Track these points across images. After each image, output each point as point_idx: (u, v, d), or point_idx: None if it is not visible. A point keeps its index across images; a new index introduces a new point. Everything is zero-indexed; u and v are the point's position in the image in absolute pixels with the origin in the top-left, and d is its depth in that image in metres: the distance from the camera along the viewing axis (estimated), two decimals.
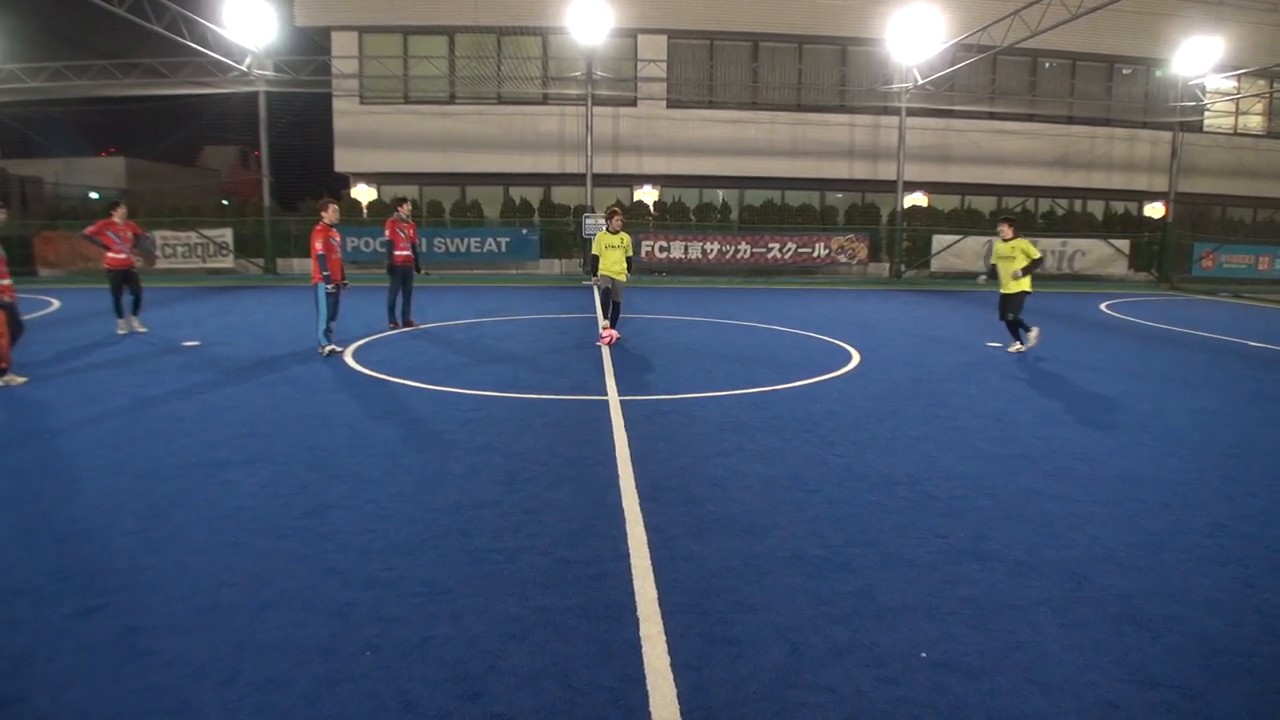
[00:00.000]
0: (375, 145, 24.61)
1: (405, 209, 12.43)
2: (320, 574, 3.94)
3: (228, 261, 22.72)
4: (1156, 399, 8.40)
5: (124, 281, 11.79)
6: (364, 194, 25.19)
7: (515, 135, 24.77)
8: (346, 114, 24.57)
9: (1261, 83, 27.82)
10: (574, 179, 24.58)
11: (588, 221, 21.76)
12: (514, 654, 3.26)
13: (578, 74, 23.72)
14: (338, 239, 10.28)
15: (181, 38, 19.75)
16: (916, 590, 3.91)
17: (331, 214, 10.16)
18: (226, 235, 22.65)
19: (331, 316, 10.10)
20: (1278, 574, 4.20)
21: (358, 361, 9.56)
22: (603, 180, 24.65)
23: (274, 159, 23.62)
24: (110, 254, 11.71)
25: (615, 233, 11.13)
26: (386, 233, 12.30)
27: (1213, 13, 24.36)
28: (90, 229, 11.78)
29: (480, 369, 9.28)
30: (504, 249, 23.17)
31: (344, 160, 24.93)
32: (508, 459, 5.85)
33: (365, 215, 24.04)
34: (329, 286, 9.94)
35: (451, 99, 24.93)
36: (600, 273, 11.09)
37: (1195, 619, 3.69)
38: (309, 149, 27.94)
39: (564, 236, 24.04)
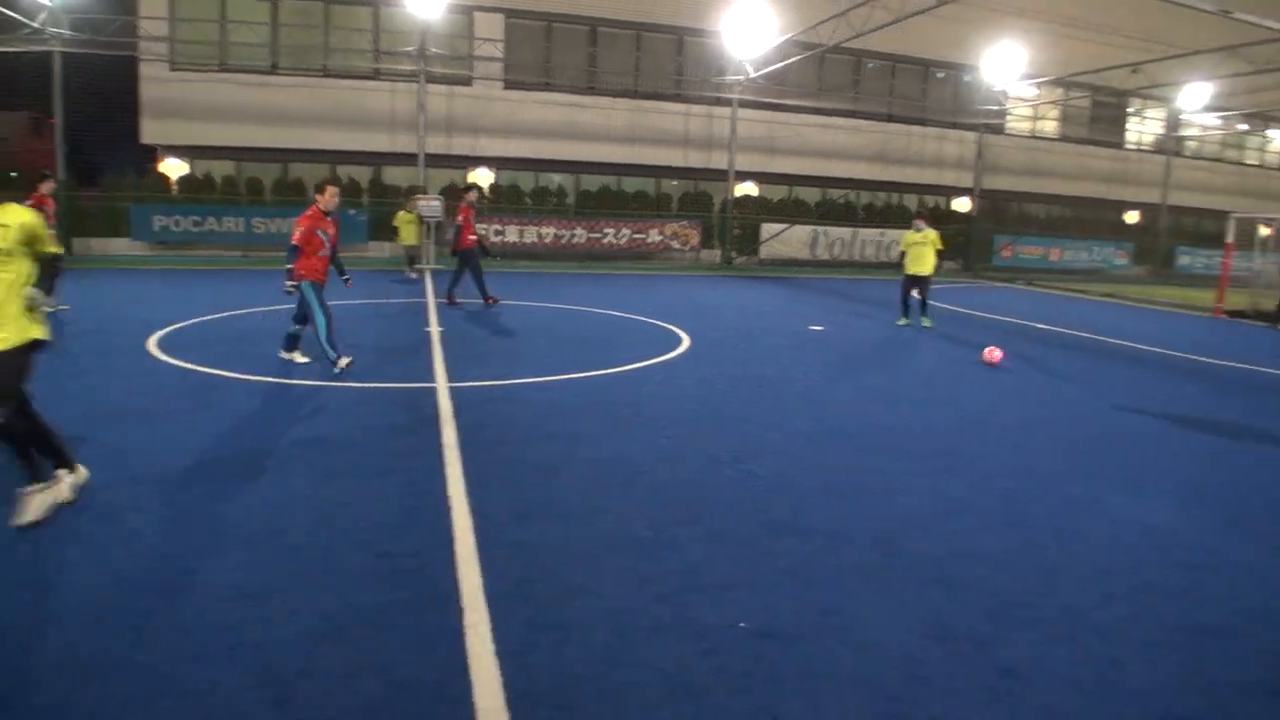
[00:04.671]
0: (187, 115, 22.87)
1: (472, 196, 13.72)
2: (111, 584, 3.61)
3: None
4: (960, 378, 9.04)
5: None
6: (174, 169, 23.43)
7: (343, 110, 23.69)
8: (154, 80, 22.70)
9: (1058, 91, 30.38)
10: (406, 159, 23.80)
11: (420, 203, 21.07)
12: (328, 654, 3.11)
13: (410, 49, 22.95)
14: (331, 231, 8.22)
15: None
16: (739, 565, 4.03)
17: (329, 198, 8.21)
18: None
19: (317, 318, 8.06)
20: (1057, 534, 4.61)
21: (164, 350, 8.88)
22: (436, 161, 23.98)
23: (70, 128, 21.56)
24: None
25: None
26: (460, 218, 13.21)
27: (1017, 25, 26.28)
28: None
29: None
30: None
31: (151, 131, 23.05)
32: (327, 451, 5.59)
33: (175, 191, 22.41)
34: (287, 285, 8.02)
35: (274, 69, 23.54)
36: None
37: (987, 576, 4.01)
38: (112, 118, 25.69)
39: (394, 218, 23.23)
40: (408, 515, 4.48)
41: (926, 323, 13.44)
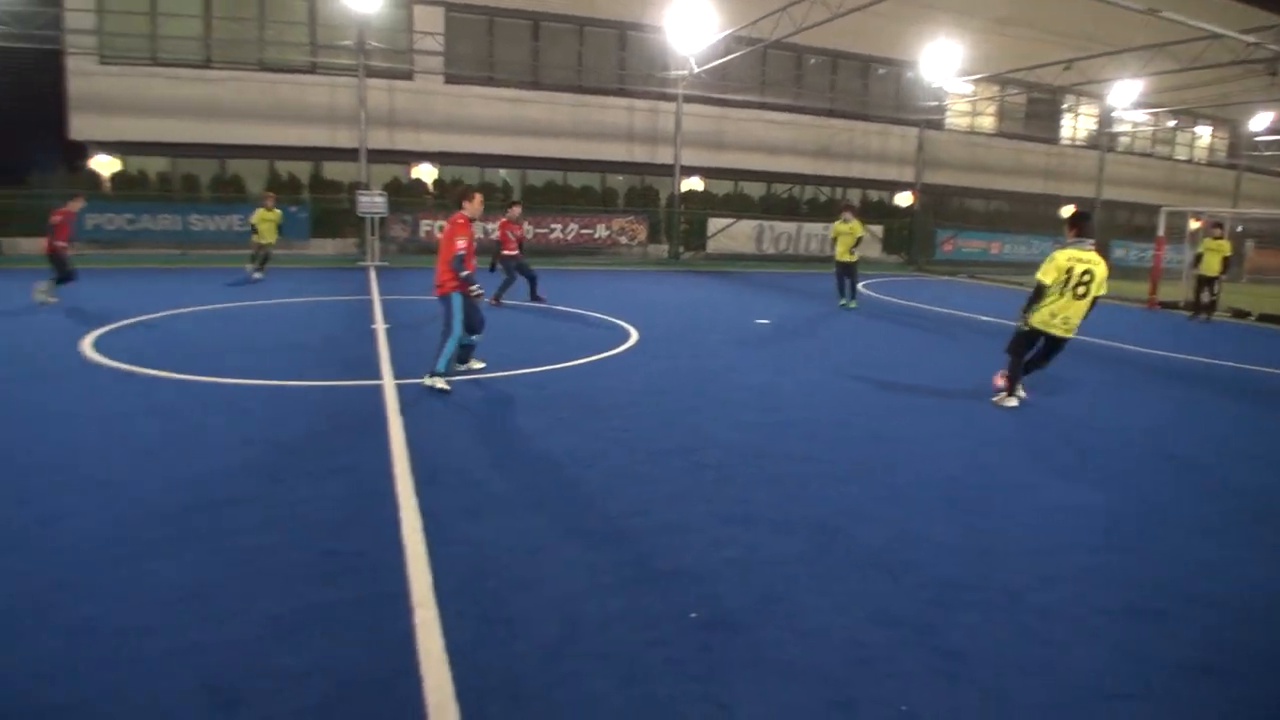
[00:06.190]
0: (118, 111, 22.19)
1: (515, 211, 13.71)
2: (53, 589, 3.51)
3: None
4: (904, 368, 9.21)
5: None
6: (105, 165, 22.75)
7: (281, 105, 23.22)
8: (83, 74, 21.99)
9: (994, 88, 31.04)
10: (347, 154, 23.41)
11: (362, 199, 20.77)
12: (277, 655, 3.08)
13: (348, 42, 22.58)
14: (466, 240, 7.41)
15: None
16: (686, 555, 4.07)
17: (477, 205, 7.59)
18: None
19: (455, 329, 7.38)
20: (1002, 519, 4.74)
21: (99, 351, 8.63)
22: (378, 156, 23.64)
23: None
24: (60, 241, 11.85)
25: None
26: (498, 233, 13.57)
27: (953, 23, 26.75)
28: (56, 220, 11.94)
29: (241, 356, 8.66)
30: None
31: (81, 127, 22.33)
32: (271, 451, 5.50)
33: (109, 189, 21.76)
34: (475, 290, 7.43)
35: (207, 63, 22.97)
36: None
37: (931, 562, 4.10)
38: (39, 113, 24.78)
39: (336, 215, 22.87)
40: (356, 514, 4.43)
41: (852, 305, 14.93)
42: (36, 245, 19.78)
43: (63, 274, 11.99)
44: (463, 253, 7.26)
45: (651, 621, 3.40)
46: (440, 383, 7.30)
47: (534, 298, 13.77)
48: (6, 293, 13.13)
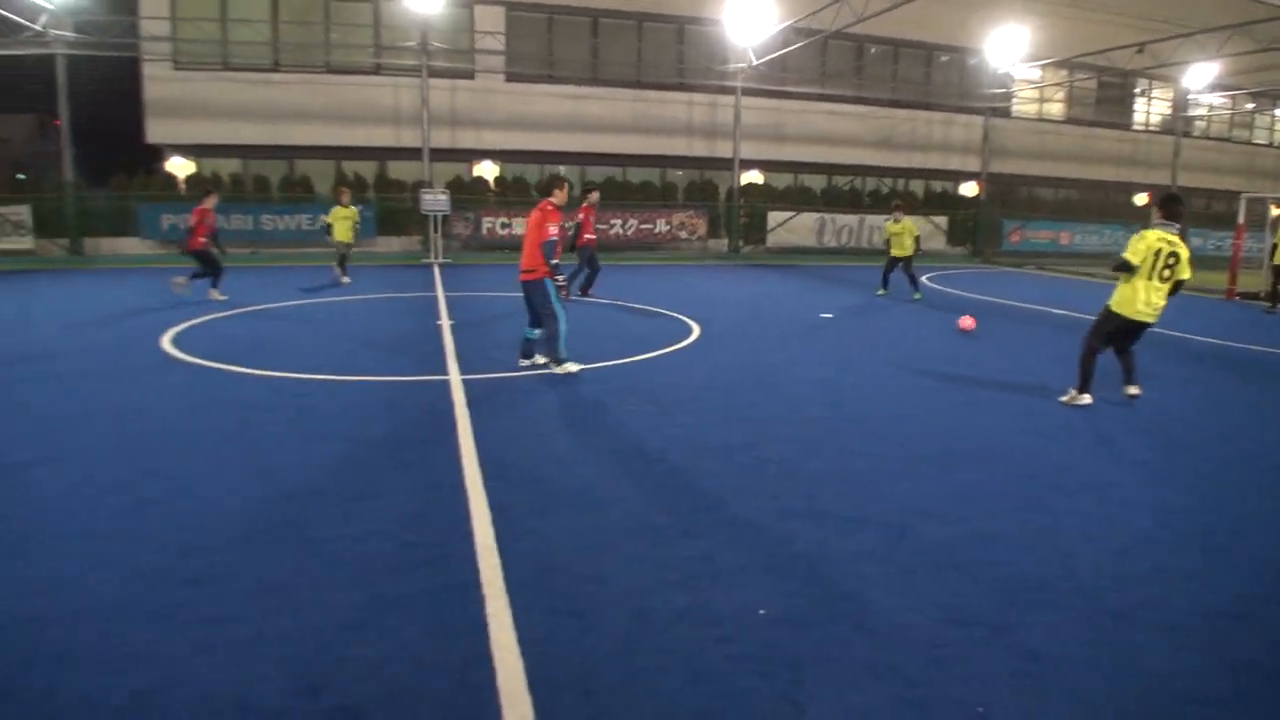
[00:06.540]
0: (191, 114, 22.90)
1: (595, 197, 14.10)
2: (140, 577, 3.67)
3: (26, 242, 20.66)
4: (971, 363, 9.04)
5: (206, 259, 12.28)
6: (180, 167, 23.50)
7: (346, 107, 23.72)
8: (158, 80, 22.74)
9: (1062, 73, 30.19)
10: (410, 153, 23.81)
11: (425, 197, 21.11)
12: (357, 643, 3.16)
13: (412, 44, 22.93)
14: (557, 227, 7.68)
15: None
16: (753, 551, 4.07)
17: (565, 194, 7.88)
18: (23, 213, 20.59)
19: (560, 316, 7.80)
20: (1078, 518, 4.62)
21: (177, 347, 8.94)
22: (441, 155, 24.00)
23: (76, 129, 21.59)
24: (200, 239, 12.12)
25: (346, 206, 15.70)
26: (580, 216, 13.60)
27: (1019, 6, 26.09)
28: (194, 221, 12.17)
29: (312, 352, 8.89)
30: None
31: (156, 131, 23.11)
32: (343, 444, 5.64)
33: (183, 190, 22.47)
34: (560, 280, 7.76)
35: (276, 66, 23.56)
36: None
37: (1005, 560, 4.03)
38: (118, 118, 25.73)
39: (401, 213, 23.28)
40: (427, 507, 4.53)
41: (917, 296, 15.08)
42: (116, 245, 20.75)
43: (211, 269, 12.24)
44: (554, 239, 7.56)
45: (719, 618, 3.41)
46: (571, 366, 7.86)
47: (584, 291, 13.79)
48: (89, 292, 13.67)
